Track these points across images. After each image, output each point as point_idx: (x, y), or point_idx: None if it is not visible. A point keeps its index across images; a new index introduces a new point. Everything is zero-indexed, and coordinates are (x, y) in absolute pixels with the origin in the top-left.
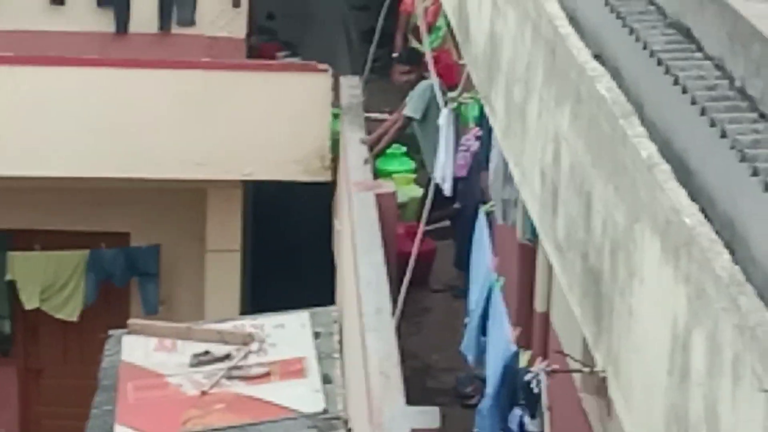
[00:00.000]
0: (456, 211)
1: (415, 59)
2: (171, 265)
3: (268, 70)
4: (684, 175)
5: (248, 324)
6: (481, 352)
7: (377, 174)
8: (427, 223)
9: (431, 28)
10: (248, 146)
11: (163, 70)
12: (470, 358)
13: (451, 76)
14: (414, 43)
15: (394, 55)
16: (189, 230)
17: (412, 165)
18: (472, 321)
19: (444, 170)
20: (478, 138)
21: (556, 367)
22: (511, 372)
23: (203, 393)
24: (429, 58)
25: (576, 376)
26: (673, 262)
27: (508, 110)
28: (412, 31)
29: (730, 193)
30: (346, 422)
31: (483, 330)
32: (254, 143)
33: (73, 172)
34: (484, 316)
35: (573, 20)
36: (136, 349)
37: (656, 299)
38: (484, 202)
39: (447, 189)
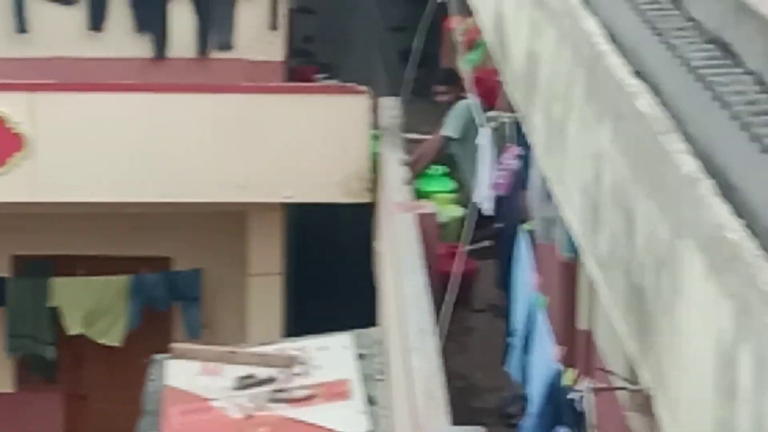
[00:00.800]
0: (497, 231)
1: (453, 79)
2: (213, 289)
3: (306, 92)
4: (726, 190)
5: (291, 347)
6: (525, 371)
7: (417, 194)
8: (469, 243)
9: (473, 46)
10: (288, 169)
11: (202, 95)
12: (515, 377)
13: (493, 95)
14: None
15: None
16: (230, 254)
17: (452, 185)
18: (516, 340)
19: (485, 190)
20: (517, 157)
21: (600, 385)
22: (554, 391)
23: (248, 416)
24: (467, 77)
25: (621, 394)
26: (717, 278)
27: (547, 128)
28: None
29: None
30: None
31: (527, 349)
32: (294, 166)
33: (114, 198)
34: (528, 335)
35: (611, 37)
36: (180, 373)
37: (701, 315)
38: (525, 221)
39: (487, 209)
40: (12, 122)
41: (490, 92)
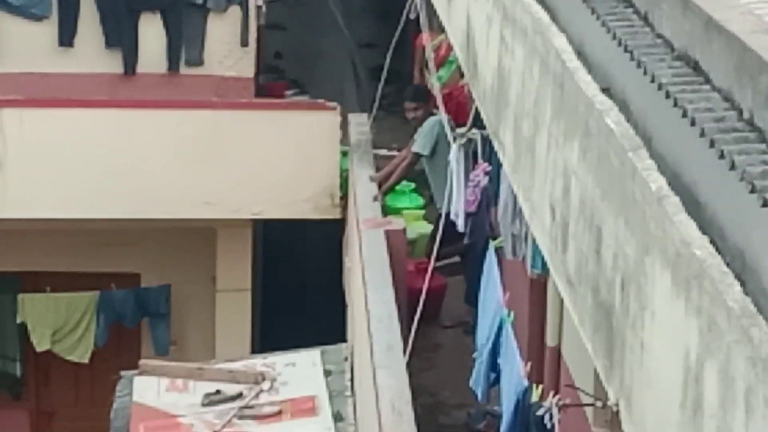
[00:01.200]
0: (466, 247)
1: (423, 95)
2: (181, 305)
3: (276, 108)
4: (694, 207)
5: (259, 363)
6: (489, 387)
7: (386, 211)
8: (437, 259)
9: (444, 63)
10: (257, 185)
11: (172, 111)
12: (479, 393)
13: (464, 112)
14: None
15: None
16: (199, 270)
17: (421, 201)
18: (481, 356)
19: (457, 206)
20: (486, 173)
21: (568, 401)
22: (523, 407)
23: None
24: (437, 93)
25: (588, 410)
26: (684, 295)
27: (516, 145)
28: (427, 66)
29: (740, 224)
30: None
31: (492, 365)
32: (263, 182)
33: (82, 214)
34: (494, 352)
35: (581, 54)
36: (148, 389)
37: (668, 332)
38: (494, 238)
39: (460, 225)
40: None
41: (461, 109)
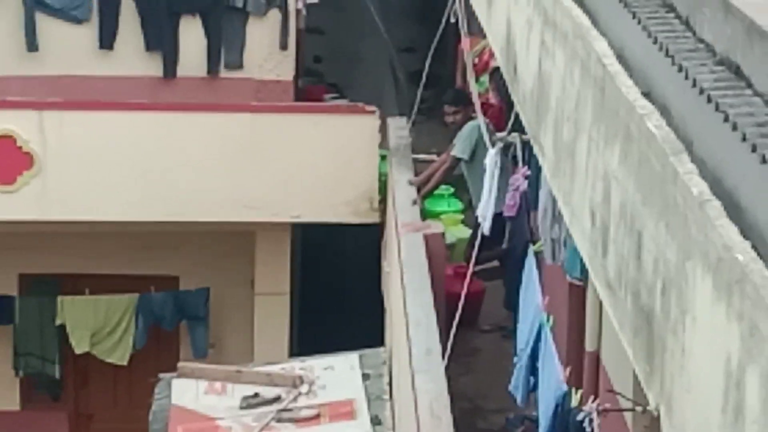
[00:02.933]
0: (505, 252)
1: (463, 99)
2: (220, 309)
3: (315, 112)
4: (735, 212)
5: (297, 366)
6: (529, 391)
7: (425, 215)
8: (476, 264)
9: (487, 68)
10: (296, 188)
11: (212, 114)
12: (518, 397)
13: (505, 118)
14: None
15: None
16: (238, 273)
17: (460, 206)
18: (521, 360)
19: (485, 209)
20: (526, 177)
21: (608, 406)
22: (562, 411)
23: None
24: (476, 97)
25: (627, 415)
26: (725, 299)
27: (556, 149)
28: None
29: None
30: None
31: (532, 370)
32: (302, 185)
33: (122, 217)
34: (533, 356)
35: (621, 59)
36: (186, 392)
37: (709, 337)
38: (534, 242)
39: (485, 228)
40: (21, 140)
41: (502, 114)
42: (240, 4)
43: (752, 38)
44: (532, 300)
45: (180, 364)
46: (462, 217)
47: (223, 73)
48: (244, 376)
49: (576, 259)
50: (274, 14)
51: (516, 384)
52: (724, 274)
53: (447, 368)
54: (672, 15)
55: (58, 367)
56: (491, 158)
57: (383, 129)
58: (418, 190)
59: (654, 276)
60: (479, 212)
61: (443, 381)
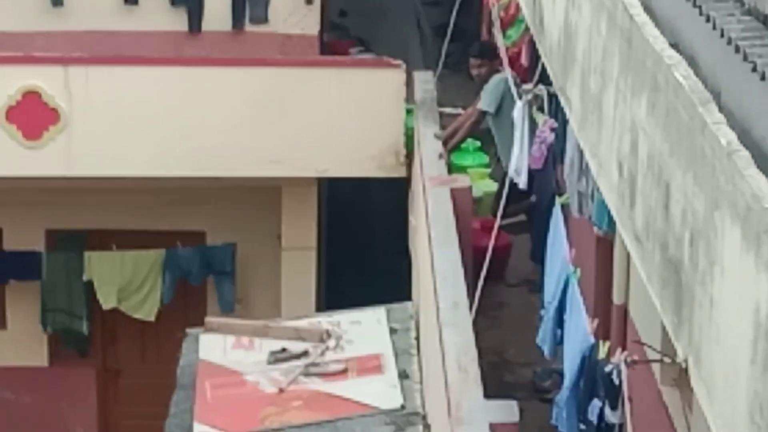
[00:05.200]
0: (531, 205)
1: (488, 52)
2: (247, 264)
3: (341, 66)
4: (764, 162)
5: (324, 321)
6: (556, 344)
7: (452, 169)
8: (503, 217)
9: (513, 21)
10: (322, 143)
11: (237, 68)
12: (546, 350)
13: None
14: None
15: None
16: (264, 228)
17: (487, 159)
18: (548, 313)
19: (519, 163)
20: (552, 130)
21: (635, 357)
22: (589, 364)
23: (281, 390)
24: (503, 50)
25: (655, 368)
26: (754, 250)
27: (583, 101)
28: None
29: None
30: (424, 417)
31: (559, 322)
32: (328, 140)
33: (148, 172)
34: (560, 309)
35: (648, 9)
36: (214, 347)
37: (738, 287)
38: (560, 194)
39: (522, 182)
40: (47, 96)
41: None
42: None
43: None
44: (559, 253)
45: (207, 319)
46: (488, 170)
47: (248, 27)
48: (272, 330)
49: (603, 212)
50: None
51: (543, 337)
52: (752, 224)
53: (474, 322)
54: None
55: (85, 323)
56: (519, 111)
57: (409, 83)
58: (444, 144)
59: (682, 227)
60: (512, 167)
61: (470, 334)
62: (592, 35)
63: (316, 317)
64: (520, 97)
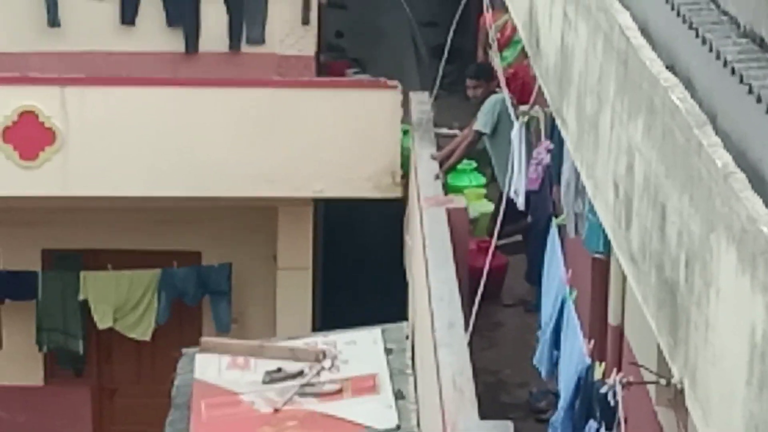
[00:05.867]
0: (528, 226)
1: (485, 73)
2: (242, 283)
3: (337, 87)
4: (760, 184)
5: (320, 341)
6: (554, 365)
7: (448, 189)
8: (499, 238)
9: (509, 43)
10: (319, 163)
11: (233, 89)
12: (543, 371)
13: (528, 92)
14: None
15: None
16: (260, 248)
17: (483, 180)
18: (545, 334)
19: (517, 184)
20: (549, 151)
21: (631, 378)
22: (585, 384)
23: (276, 410)
24: (499, 71)
25: (651, 389)
26: (750, 271)
27: (579, 122)
28: (491, 45)
29: None
30: None
31: (556, 343)
32: (325, 160)
33: (144, 192)
34: (557, 330)
35: (645, 31)
36: (209, 367)
37: (733, 309)
38: (556, 216)
39: (520, 203)
40: (43, 116)
41: (525, 88)
42: None
43: None
44: (556, 274)
45: (203, 339)
46: (485, 191)
47: (245, 48)
48: (267, 350)
49: (594, 235)
50: None
51: (540, 358)
52: (748, 246)
53: (470, 342)
54: None
55: (81, 343)
56: (516, 132)
57: (405, 104)
58: (441, 165)
59: (678, 248)
60: (512, 187)
61: (466, 354)
62: (588, 57)
63: (312, 337)
64: (517, 119)
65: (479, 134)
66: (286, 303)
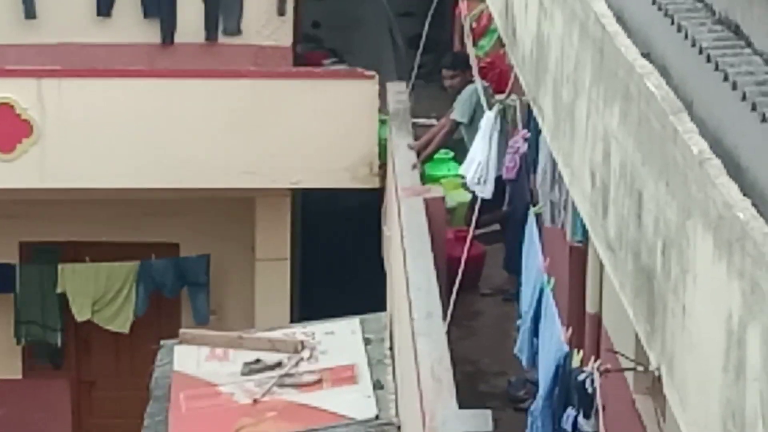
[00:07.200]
0: (505, 215)
1: (461, 63)
2: (221, 275)
3: (314, 77)
4: (735, 171)
5: (299, 332)
6: (534, 354)
7: (425, 179)
8: (476, 227)
9: (486, 32)
10: (296, 154)
11: (210, 80)
12: (524, 360)
13: (505, 81)
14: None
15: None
16: (238, 239)
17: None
18: (525, 323)
19: (483, 173)
20: (526, 140)
21: (609, 366)
22: (563, 372)
23: (255, 401)
24: (474, 61)
25: (629, 376)
26: (726, 258)
27: (556, 111)
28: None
29: None
30: (398, 428)
31: (535, 332)
32: (302, 151)
33: (121, 184)
34: (536, 318)
35: (620, 19)
36: (188, 358)
37: (710, 295)
38: (534, 205)
39: (487, 193)
40: (20, 108)
41: (503, 77)
42: None
43: None
44: (534, 262)
45: (181, 331)
46: (462, 181)
47: (222, 39)
48: (246, 342)
49: (578, 223)
50: None
51: (521, 347)
52: (724, 233)
53: (448, 332)
54: None
55: (59, 335)
56: (488, 120)
57: (382, 94)
58: (418, 155)
59: (654, 236)
60: (473, 176)
61: (444, 344)
62: (564, 45)
63: (291, 328)
64: (491, 107)
65: (456, 124)
66: (264, 294)
